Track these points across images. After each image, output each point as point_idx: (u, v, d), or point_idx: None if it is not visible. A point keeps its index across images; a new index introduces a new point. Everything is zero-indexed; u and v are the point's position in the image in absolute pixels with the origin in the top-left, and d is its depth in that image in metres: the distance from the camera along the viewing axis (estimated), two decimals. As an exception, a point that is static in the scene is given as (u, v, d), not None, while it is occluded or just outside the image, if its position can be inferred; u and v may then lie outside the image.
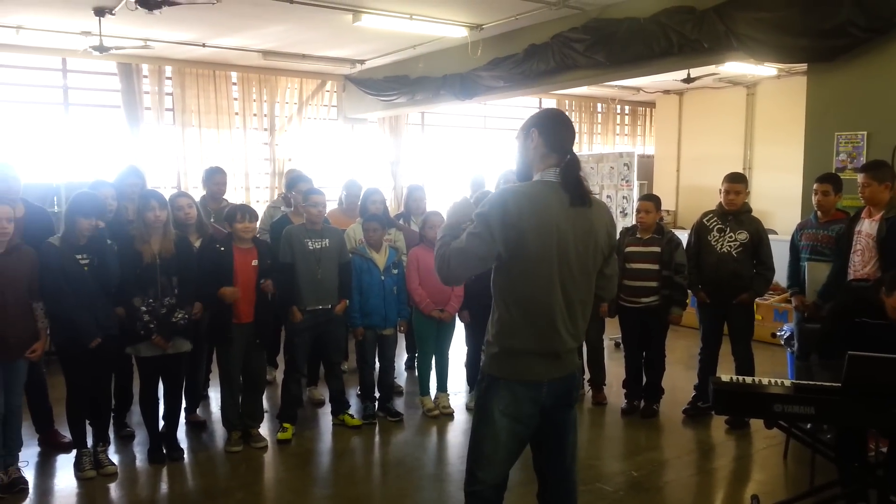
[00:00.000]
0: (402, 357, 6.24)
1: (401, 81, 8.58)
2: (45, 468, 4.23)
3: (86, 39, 6.79)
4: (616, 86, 10.07)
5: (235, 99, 8.92)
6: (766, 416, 3.28)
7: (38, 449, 4.44)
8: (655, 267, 4.93)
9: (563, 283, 2.34)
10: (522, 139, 2.47)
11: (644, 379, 5.14)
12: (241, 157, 8.93)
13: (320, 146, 9.67)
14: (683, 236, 5.21)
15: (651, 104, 12.25)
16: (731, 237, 4.89)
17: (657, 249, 4.94)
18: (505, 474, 2.48)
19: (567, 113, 11.58)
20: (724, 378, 3.42)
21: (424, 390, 5.23)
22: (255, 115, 9.09)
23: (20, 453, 4.03)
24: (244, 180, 8.94)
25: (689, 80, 8.71)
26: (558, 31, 6.49)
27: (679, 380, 5.64)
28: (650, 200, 5.10)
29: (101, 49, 6.36)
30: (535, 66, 6.79)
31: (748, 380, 3.43)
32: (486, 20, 6.72)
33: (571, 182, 2.36)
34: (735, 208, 4.88)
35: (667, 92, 11.18)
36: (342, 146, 9.98)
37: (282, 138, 9.28)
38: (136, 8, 5.18)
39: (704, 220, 5.06)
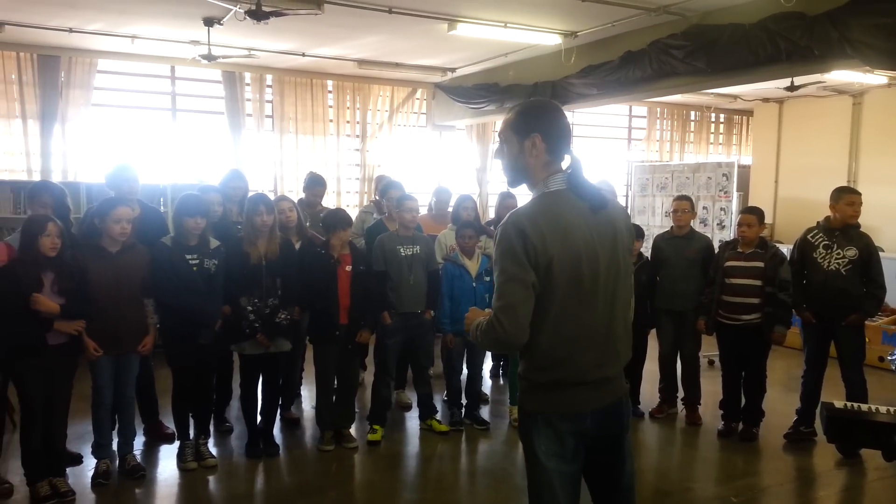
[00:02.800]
0: (487, 364, 6.23)
1: (490, 89, 8.59)
2: (150, 457, 4.45)
3: (194, 48, 7.14)
4: (712, 93, 9.74)
5: (330, 106, 9.16)
6: (884, 448, 3.07)
7: (142, 439, 4.67)
8: (757, 283, 4.73)
9: (601, 301, 2.10)
10: (517, 142, 2.15)
11: (742, 400, 4.94)
12: (333, 163, 9.16)
13: (409, 153, 9.80)
14: (782, 250, 5.00)
15: (748, 112, 11.79)
16: (839, 254, 4.65)
17: (760, 264, 4.75)
18: None
19: (659, 120, 11.34)
20: (838, 404, 3.23)
21: (514, 400, 5.20)
22: (347, 122, 9.31)
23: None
24: (336, 185, 9.15)
25: (792, 88, 8.33)
26: (656, 38, 6.34)
27: (778, 402, 5.38)
28: (753, 214, 4.90)
29: (209, 58, 6.66)
30: (630, 73, 6.65)
31: (863, 407, 3.23)
32: (581, 27, 6.64)
33: (584, 187, 2.13)
34: (854, 223, 4.65)
35: (766, 100, 10.74)
36: (430, 153, 10.08)
37: (372, 145, 9.46)
38: (245, 18, 5.39)
39: (809, 237, 4.83)
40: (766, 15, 5.47)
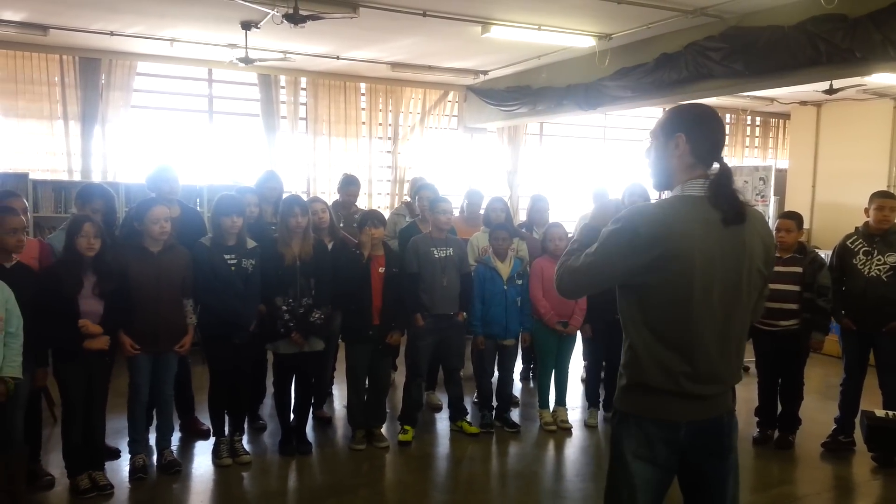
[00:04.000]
0: (517, 367, 6.21)
1: (523, 92, 8.57)
2: (186, 453, 4.52)
3: (231, 52, 7.25)
4: (748, 96, 9.61)
5: (363, 109, 9.24)
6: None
7: (178, 434, 4.74)
8: (796, 288, 4.66)
9: (710, 317, 2.02)
10: (663, 142, 2.12)
11: (779, 407, 4.86)
12: (365, 165, 9.23)
13: (440, 155, 9.83)
14: (821, 255, 4.92)
15: (785, 115, 11.61)
16: (879, 260, 4.57)
17: (798, 270, 4.67)
18: None
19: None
20: (878, 413, 3.17)
21: (544, 403, 5.19)
22: (380, 124, 9.38)
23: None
24: (367, 187, 9.21)
25: (831, 91, 8.18)
26: (693, 40, 6.27)
27: (815, 410, 5.28)
28: (791, 219, 4.82)
29: (246, 61, 6.76)
30: (665, 75, 6.59)
31: (906, 416, 3.17)
32: (615, 30, 6.60)
33: (724, 197, 2.02)
34: (888, 227, 4.56)
35: (804, 103, 10.55)
36: (460, 155, 10.10)
37: (404, 147, 9.51)
38: (282, 22, 5.46)
39: (848, 243, 4.76)
40: (805, 17, 5.39)
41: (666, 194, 2.20)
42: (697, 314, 2.01)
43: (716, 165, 2.10)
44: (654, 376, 2.06)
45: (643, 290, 2.04)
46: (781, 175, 10.95)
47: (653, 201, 2.16)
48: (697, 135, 2.08)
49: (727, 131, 11.52)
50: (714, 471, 2.13)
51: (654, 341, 2.05)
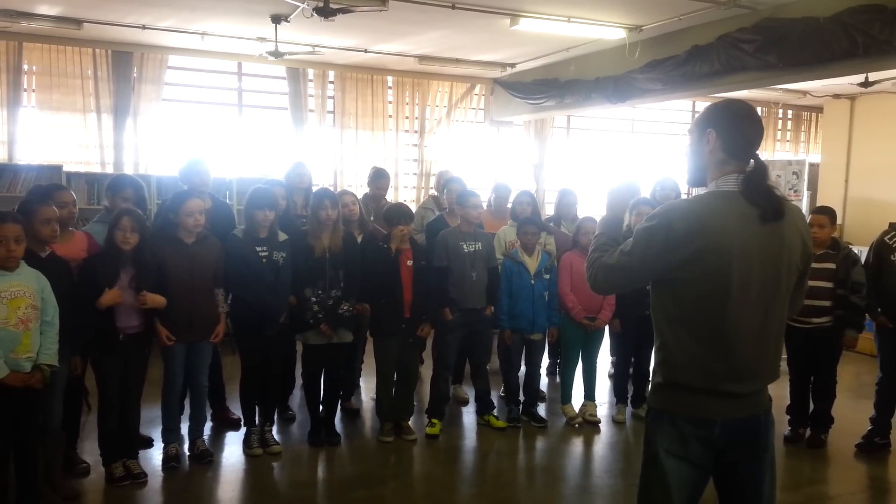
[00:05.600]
0: (544, 362, 6.20)
1: (550, 84, 8.52)
2: (217, 442, 4.58)
3: (261, 45, 7.30)
4: (780, 89, 9.44)
5: (390, 102, 9.24)
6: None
7: (210, 424, 4.79)
8: (829, 285, 4.58)
9: (748, 314, 2.01)
10: (696, 138, 2.13)
11: (811, 406, 4.80)
12: (391, 158, 9.23)
13: (466, 148, 9.81)
14: (855, 251, 4.83)
15: (818, 109, 11.39)
16: (917, 257, 4.47)
17: (832, 266, 4.60)
18: None
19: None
20: (917, 413, 3.12)
21: (566, 398, 5.17)
22: (406, 117, 9.38)
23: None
24: (394, 180, 9.21)
25: (866, 84, 8.01)
26: (725, 32, 6.18)
27: (847, 409, 5.19)
28: (824, 214, 4.75)
29: (276, 54, 6.80)
30: (697, 67, 6.51)
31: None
32: (646, 21, 6.53)
33: (759, 193, 2.00)
34: None
35: (837, 96, 10.34)
36: (487, 149, 10.07)
37: (430, 140, 9.51)
38: (312, 15, 5.49)
39: (886, 239, 4.66)
40: (841, 8, 5.27)
41: (699, 191, 2.19)
42: (735, 310, 2.00)
43: (752, 163, 2.08)
44: (690, 374, 2.04)
45: (678, 285, 2.03)
46: (814, 169, 10.77)
47: (684, 197, 2.11)
48: (729, 131, 2.08)
49: (759, 125, 11.33)
50: (750, 470, 2.11)
51: (689, 338, 2.03)
